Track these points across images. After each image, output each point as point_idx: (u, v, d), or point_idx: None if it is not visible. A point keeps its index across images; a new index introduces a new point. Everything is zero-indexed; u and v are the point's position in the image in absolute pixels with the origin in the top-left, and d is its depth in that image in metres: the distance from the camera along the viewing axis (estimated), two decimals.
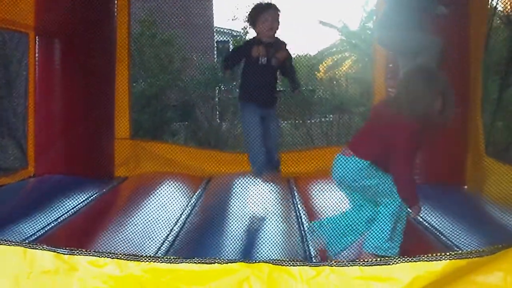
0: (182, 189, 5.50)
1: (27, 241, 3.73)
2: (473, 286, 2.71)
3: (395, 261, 2.69)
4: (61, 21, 5.87)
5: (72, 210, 4.77)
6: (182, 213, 4.69)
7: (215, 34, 18.41)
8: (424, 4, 5.06)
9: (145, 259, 2.78)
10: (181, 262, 2.76)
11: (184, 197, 5.22)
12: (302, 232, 4.19)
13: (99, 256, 2.77)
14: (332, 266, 2.73)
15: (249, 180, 5.51)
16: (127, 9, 6.56)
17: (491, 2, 6.22)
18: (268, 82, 5.45)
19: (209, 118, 13.19)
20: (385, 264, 2.69)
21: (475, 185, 5.46)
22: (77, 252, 2.78)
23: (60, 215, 4.59)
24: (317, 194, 5.17)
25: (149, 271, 2.75)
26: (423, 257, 2.67)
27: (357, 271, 2.70)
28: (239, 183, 5.39)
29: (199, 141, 11.36)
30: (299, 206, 4.97)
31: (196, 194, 5.38)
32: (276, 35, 5.53)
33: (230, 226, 4.19)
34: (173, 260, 2.79)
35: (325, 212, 4.57)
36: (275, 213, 4.50)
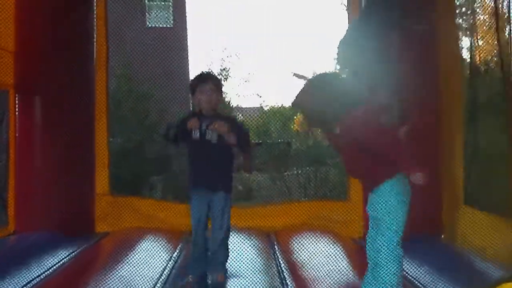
0: (163, 244, 5.57)
1: None
2: None
3: None
4: (39, 80, 6.02)
5: (54, 267, 4.80)
6: (164, 268, 4.75)
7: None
8: (392, 19, 4.94)
9: None
10: None
11: (166, 252, 5.29)
12: (284, 285, 4.28)
13: None
14: None
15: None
16: (105, 67, 6.70)
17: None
18: (208, 161, 4.44)
19: (186, 171, 13.31)
20: None
21: (452, 234, 5.58)
22: None
23: (41, 273, 4.62)
24: (298, 247, 5.29)
25: None
26: None
27: None
28: None
29: (176, 194, 11.40)
30: (280, 260, 5.06)
31: (178, 248, 5.45)
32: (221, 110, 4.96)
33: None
34: None
35: (307, 265, 4.71)
36: (256, 267, 4.59)
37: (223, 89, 4.90)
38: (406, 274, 4.37)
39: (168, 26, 17.48)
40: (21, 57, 6.01)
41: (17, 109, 6.07)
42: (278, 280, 4.43)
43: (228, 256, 4.51)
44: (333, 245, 5.34)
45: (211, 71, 4.63)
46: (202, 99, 4.51)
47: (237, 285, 4.17)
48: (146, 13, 16.20)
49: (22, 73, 6.03)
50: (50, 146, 6.05)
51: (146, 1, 16.02)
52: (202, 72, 4.81)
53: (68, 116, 6.04)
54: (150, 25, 16.76)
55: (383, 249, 3.49)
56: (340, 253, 5.05)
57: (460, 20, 6.58)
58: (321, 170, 12.63)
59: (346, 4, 8.68)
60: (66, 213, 6.04)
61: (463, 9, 6.74)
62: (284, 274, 4.55)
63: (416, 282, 4.23)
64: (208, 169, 4.42)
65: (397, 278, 3.49)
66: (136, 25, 14.81)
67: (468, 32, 6.77)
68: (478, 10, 5.96)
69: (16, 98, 6.06)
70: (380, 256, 3.50)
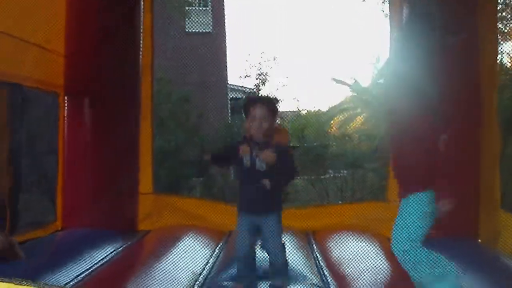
0: (204, 241, 5.78)
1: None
2: None
3: None
4: (88, 81, 6.29)
5: (101, 262, 5.04)
6: (207, 263, 4.96)
7: (228, 91, 18.96)
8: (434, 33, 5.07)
9: None
10: None
11: (208, 249, 5.50)
12: (324, 281, 4.45)
13: None
14: None
15: None
16: (150, 68, 6.95)
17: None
18: (258, 188, 4.34)
19: (224, 174, 13.54)
20: None
21: (489, 238, 5.68)
22: None
23: (90, 266, 4.86)
24: (336, 246, 5.46)
25: None
26: None
27: None
28: None
29: (214, 197, 11.65)
30: (318, 257, 5.23)
31: (219, 246, 5.66)
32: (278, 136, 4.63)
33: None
34: None
35: (345, 263, 4.88)
36: (296, 264, 4.76)
37: (277, 111, 4.65)
38: None
39: (207, 31, 17.77)
40: (71, 60, 6.28)
41: (66, 110, 6.33)
42: (318, 276, 4.61)
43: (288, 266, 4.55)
44: (370, 243, 5.48)
45: (267, 94, 4.33)
46: (252, 126, 4.40)
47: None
48: (186, 18, 16.48)
49: (71, 76, 6.29)
50: (97, 146, 6.31)
51: (186, 7, 16.30)
52: (256, 95, 4.62)
53: (115, 117, 6.30)
54: (189, 30, 17.06)
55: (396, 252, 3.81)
56: (377, 251, 5.19)
57: (500, 25, 6.62)
58: (358, 174, 12.74)
59: (387, 13, 8.77)
60: (111, 211, 6.29)
61: (503, 13, 6.79)
62: (324, 270, 4.72)
63: None
64: (258, 196, 4.34)
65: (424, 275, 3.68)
66: (176, 30, 15.13)
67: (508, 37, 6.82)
68: None
69: (66, 100, 6.33)
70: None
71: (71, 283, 4.36)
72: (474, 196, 5.85)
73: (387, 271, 4.56)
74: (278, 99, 4.81)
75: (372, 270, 4.53)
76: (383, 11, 13.86)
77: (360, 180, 12.45)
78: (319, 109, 20.16)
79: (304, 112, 21.60)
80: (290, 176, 4.61)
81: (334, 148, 15.33)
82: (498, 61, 6.11)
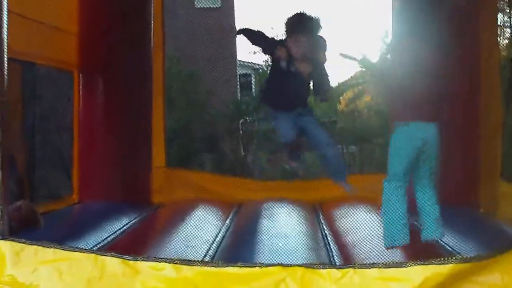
0: (216, 212, 6.09)
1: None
2: (475, 285, 3.25)
3: (409, 264, 3.24)
4: (102, 60, 6.56)
5: (119, 231, 5.35)
6: (219, 232, 5.28)
7: (237, 67, 19.16)
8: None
9: (197, 263, 3.37)
10: (227, 266, 3.33)
11: (219, 220, 5.82)
12: (328, 248, 4.75)
13: (158, 261, 3.35)
14: (355, 268, 3.28)
15: (277, 205, 6.12)
16: (161, 48, 7.22)
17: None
18: (293, 89, 4.88)
19: (234, 150, 13.81)
20: (400, 267, 3.24)
21: (490, 207, 5.93)
22: (140, 259, 3.36)
23: (108, 235, 5.17)
24: (341, 217, 5.75)
25: (200, 273, 3.32)
26: (433, 261, 3.22)
27: (376, 273, 3.25)
28: (269, 207, 5.99)
29: (225, 171, 11.93)
30: (324, 227, 5.53)
31: (229, 217, 5.97)
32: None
33: (262, 243, 4.77)
34: (220, 264, 3.36)
35: (349, 233, 5.17)
36: (302, 232, 5.06)
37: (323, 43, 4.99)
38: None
39: (216, 6, 17.92)
40: (84, 39, 6.54)
41: (80, 89, 6.62)
42: (322, 242, 4.91)
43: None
44: (373, 213, 5.74)
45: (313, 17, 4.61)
46: (293, 47, 4.85)
47: (286, 245, 4.62)
48: None
49: (85, 55, 6.56)
50: (111, 123, 6.59)
51: None
52: (302, 14, 4.92)
53: (128, 95, 6.58)
54: (198, 6, 17.23)
55: None
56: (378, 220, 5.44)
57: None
58: (366, 148, 13.00)
59: None
60: (125, 184, 6.60)
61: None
62: (328, 238, 5.02)
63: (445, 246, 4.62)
64: (297, 93, 4.89)
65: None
66: (185, 6, 15.31)
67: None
68: None
69: (80, 78, 6.60)
70: None
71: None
72: (475, 166, 6.09)
73: None
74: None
75: (373, 238, 4.80)
76: None
77: (368, 155, 12.68)
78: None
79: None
80: (326, 85, 5.12)
81: (344, 123, 15.56)
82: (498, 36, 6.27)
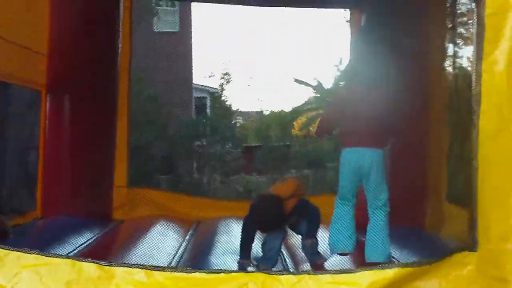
0: (176, 228, 6.45)
1: None
2: None
3: (357, 270, 3.68)
4: (69, 80, 6.87)
5: (83, 245, 5.65)
6: (180, 246, 5.64)
7: (193, 90, 19.60)
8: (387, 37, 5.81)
9: (167, 269, 3.74)
10: (195, 272, 3.71)
11: (179, 235, 6.18)
12: (283, 259, 5.18)
13: (131, 267, 3.71)
14: (310, 274, 3.70)
15: (234, 222, 6.51)
16: (127, 70, 7.58)
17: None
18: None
19: (190, 171, 14.19)
20: (350, 272, 3.67)
21: (434, 228, 6.41)
22: (114, 264, 3.71)
23: (73, 249, 5.46)
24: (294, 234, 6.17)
25: (170, 278, 3.68)
26: (378, 267, 3.67)
27: (329, 278, 3.67)
28: (226, 224, 6.40)
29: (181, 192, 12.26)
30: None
31: (189, 233, 6.34)
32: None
33: (221, 257, 5.16)
34: (188, 270, 3.74)
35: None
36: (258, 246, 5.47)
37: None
38: None
39: (174, 31, 18.37)
40: (53, 60, 6.85)
41: (47, 107, 6.90)
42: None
43: None
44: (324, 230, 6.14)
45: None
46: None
47: None
48: (154, 18, 17.04)
49: (53, 75, 6.86)
50: (76, 141, 6.89)
51: (154, 6, 16.88)
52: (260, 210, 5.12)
53: (93, 114, 6.89)
54: (157, 30, 17.64)
55: None
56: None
57: (462, 30, 7.19)
58: (319, 172, 13.52)
59: (348, 20, 9.53)
60: (88, 201, 6.88)
61: (465, 18, 7.33)
62: (283, 252, 5.44)
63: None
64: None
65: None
66: (145, 30, 15.71)
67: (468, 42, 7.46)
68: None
69: (48, 97, 6.90)
70: None
71: None
72: (422, 189, 6.58)
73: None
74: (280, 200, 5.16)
75: (325, 253, 5.21)
76: (345, 17, 14.65)
77: (321, 178, 13.18)
78: (282, 110, 20.88)
79: (267, 112, 22.37)
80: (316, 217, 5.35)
81: (297, 148, 16.05)
82: (449, 64, 6.75)
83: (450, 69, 6.70)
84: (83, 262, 3.73)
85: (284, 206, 5.07)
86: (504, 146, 3.74)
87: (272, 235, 5.12)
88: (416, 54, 6.45)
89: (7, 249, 3.74)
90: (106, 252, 5.38)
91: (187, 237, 6.18)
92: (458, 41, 6.68)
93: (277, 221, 5.06)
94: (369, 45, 5.70)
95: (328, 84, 20.96)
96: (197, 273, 3.72)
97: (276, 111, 21.76)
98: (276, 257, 5.13)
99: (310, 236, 5.21)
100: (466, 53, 7.34)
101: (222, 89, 22.74)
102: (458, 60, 6.38)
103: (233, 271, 3.73)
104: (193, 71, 18.91)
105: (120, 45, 7.35)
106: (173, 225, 6.67)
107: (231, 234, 5.93)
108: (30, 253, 3.73)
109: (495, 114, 3.75)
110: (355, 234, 4.97)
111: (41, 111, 6.89)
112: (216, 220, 6.88)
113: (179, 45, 17.89)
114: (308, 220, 5.27)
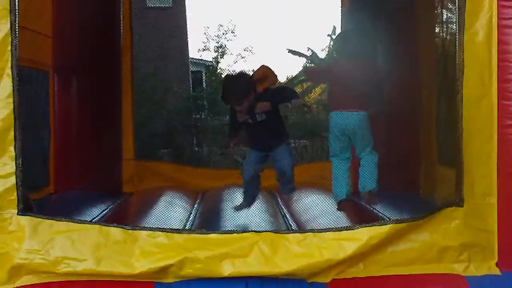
0: (184, 198, 6.91)
1: None
2: (410, 242, 4.18)
3: (357, 227, 4.15)
4: (75, 60, 7.25)
5: (99, 215, 6.09)
6: (190, 213, 6.10)
7: (189, 65, 19.93)
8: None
9: (185, 231, 4.21)
10: (210, 233, 4.18)
11: (188, 204, 6.64)
12: (287, 223, 5.63)
13: (153, 230, 4.17)
14: (314, 232, 4.17)
15: (238, 190, 6.95)
16: (129, 48, 7.97)
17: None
18: (267, 132, 5.52)
19: (190, 144, 14.61)
20: (350, 229, 4.14)
21: (429, 191, 6.84)
22: (138, 228, 4.18)
23: (90, 219, 5.89)
24: (296, 200, 6.62)
25: (188, 239, 4.15)
26: (375, 224, 4.15)
27: (332, 235, 4.14)
28: (231, 192, 6.85)
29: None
30: (283, 208, 6.41)
31: (197, 201, 6.81)
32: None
33: (230, 220, 5.61)
34: (204, 231, 4.20)
35: (305, 213, 6.04)
36: (264, 211, 5.93)
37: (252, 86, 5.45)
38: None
39: (167, 6, 18.66)
40: (58, 41, 7.22)
41: (55, 87, 7.29)
42: (282, 220, 5.79)
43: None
44: (322, 195, 6.58)
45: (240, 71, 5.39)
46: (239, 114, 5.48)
47: (252, 221, 5.46)
48: None
49: (59, 56, 7.23)
50: (84, 118, 7.27)
51: None
52: (225, 86, 5.55)
53: (100, 92, 7.26)
54: (150, 5, 17.93)
55: None
56: (329, 201, 6.30)
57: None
58: (316, 141, 13.94)
59: None
60: (98, 176, 7.30)
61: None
62: (287, 216, 5.90)
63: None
64: (265, 136, 5.51)
65: None
66: (137, 5, 16.02)
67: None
68: None
69: (55, 77, 7.28)
70: None
71: None
72: (416, 154, 7.00)
73: (336, 215, 5.70)
74: (248, 75, 5.63)
75: (325, 215, 5.66)
76: None
77: (319, 147, 13.60)
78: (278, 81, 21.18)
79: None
80: (292, 92, 5.75)
81: (294, 118, 16.40)
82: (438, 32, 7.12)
83: (439, 36, 7.06)
84: (110, 227, 4.19)
85: (253, 83, 5.46)
86: (486, 110, 4.21)
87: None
88: (404, 25, 6.82)
89: (41, 218, 4.20)
90: (122, 220, 5.81)
91: (195, 205, 6.63)
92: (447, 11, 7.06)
93: (244, 94, 5.36)
94: (358, 19, 6.22)
95: (322, 54, 21.28)
96: (212, 234, 4.19)
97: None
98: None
99: (281, 174, 5.70)
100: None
101: (217, 62, 23.08)
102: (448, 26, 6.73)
103: (244, 231, 4.20)
104: (188, 45, 19.23)
105: (122, 24, 7.71)
106: (181, 195, 7.11)
107: (235, 201, 6.37)
108: (61, 221, 4.18)
109: (477, 81, 4.21)
110: (349, 184, 5.70)
111: (50, 90, 7.28)
112: (220, 189, 7.32)
113: (173, 20, 18.18)
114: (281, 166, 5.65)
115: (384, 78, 5.85)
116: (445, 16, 6.50)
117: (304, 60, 21.56)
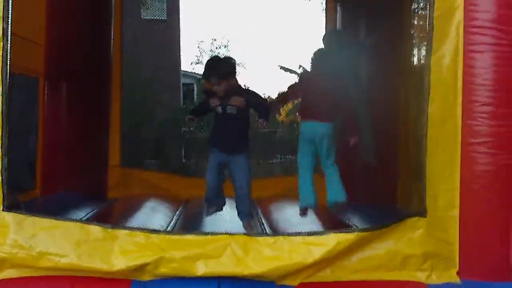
0: (167, 205, 7.17)
1: None
2: (375, 250, 4.46)
3: (325, 232, 4.42)
4: (65, 68, 7.50)
5: (83, 218, 6.33)
6: (171, 220, 6.36)
7: (181, 77, 20.22)
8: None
9: (162, 232, 4.47)
10: (186, 234, 4.44)
11: (171, 211, 6.90)
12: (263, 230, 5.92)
13: (131, 230, 4.43)
14: (284, 236, 4.44)
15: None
16: (119, 58, 8.25)
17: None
18: (230, 129, 5.62)
19: (178, 155, 14.84)
20: (319, 235, 4.42)
21: (405, 203, 7.10)
22: (117, 227, 4.44)
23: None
24: (274, 210, 6.91)
25: (165, 239, 4.41)
26: (343, 230, 4.43)
27: (301, 239, 4.41)
28: None
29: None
30: (261, 217, 6.68)
31: (179, 209, 7.07)
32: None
33: (209, 227, 5.88)
34: (181, 233, 4.47)
35: (281, 222, 6.32)
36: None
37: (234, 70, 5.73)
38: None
39: (162, 18, 18.97)
40: (50, 49, 7.47)
41: (45, 93, 7.54)
42: (260, 228, 6.07)
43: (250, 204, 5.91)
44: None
45: (219, 54, 5.68)
46: (215, 88, 5.56)
47: (229, 228, 5.72)
48: (142, 5, 17.63)
49: (50, 63, 7.48)
50: (72, 125, 7.50)
51: None
52: (208, 62, 5.74)
53: (89, 99, 7.53)
54: (145, 17, 18.24)
55: None
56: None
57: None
58: None
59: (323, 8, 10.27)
60: (85, 181, 7.55)
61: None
62: (264, 224, 6.17)
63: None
64: (227, 137, 5.61)
65: None
66: (132, 16, 16.35)
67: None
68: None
69: (45, 84, 7.53)
70: None
71: None
72: (394, 170, 7.28)
73: (312, 224, 5.98)
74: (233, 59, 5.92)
75: (299, 225, 5.93)
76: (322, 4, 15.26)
77: None
78: (269, 96, 21.51)
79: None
80: (265, 107, 5.90)
81: (283, 134, 16.64)
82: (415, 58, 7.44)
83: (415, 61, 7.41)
84: (90, 226, 4.45)
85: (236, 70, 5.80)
86: (451, 129, 4.49)
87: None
88: (384, 49, 7.13)
89: (25, 214, 4.46)
90: (105, 222, 6.06)
91: (178, 212, 6.89)
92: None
93: (227, 74, 5.59)
94: (337, 40, 6.63)
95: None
96: (187, 235, 4.46)
97: (262, 97, 22.27)
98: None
99: (238, 188, 5.74)
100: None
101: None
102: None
103: (218, 233, 4.46)
104: (181, 58, 19.51)
105: (112, 34, 7.99)
106: (165, 202, 7.37)
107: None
108: (45, 218, 4.44)
109: (443, 101, 4.50)
110: (314, 190, 6.01)
111: (39, 96, 7.52)
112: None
113: (168, 32, 18.48)
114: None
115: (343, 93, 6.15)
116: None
117: (295, 76, 21.80)
